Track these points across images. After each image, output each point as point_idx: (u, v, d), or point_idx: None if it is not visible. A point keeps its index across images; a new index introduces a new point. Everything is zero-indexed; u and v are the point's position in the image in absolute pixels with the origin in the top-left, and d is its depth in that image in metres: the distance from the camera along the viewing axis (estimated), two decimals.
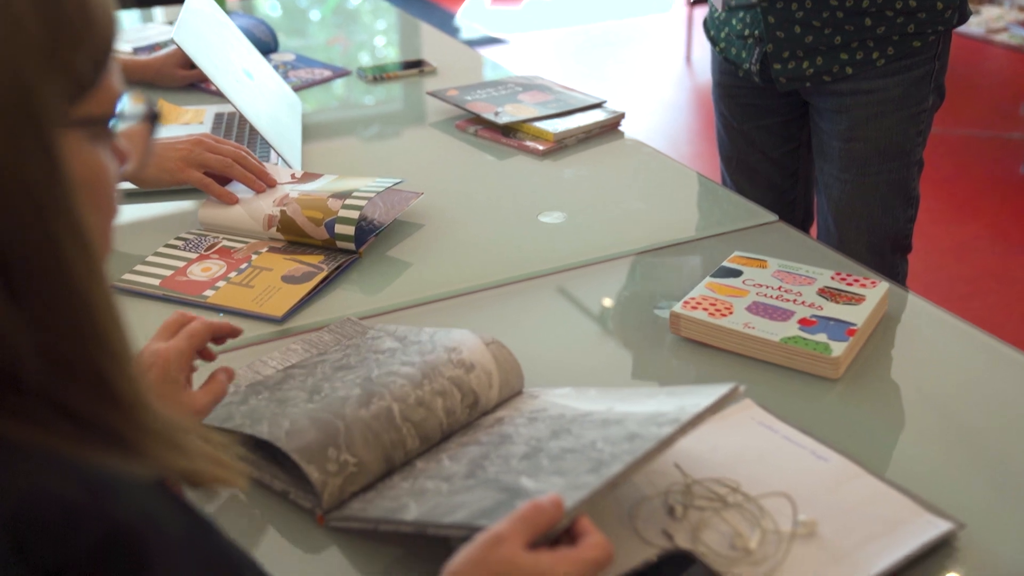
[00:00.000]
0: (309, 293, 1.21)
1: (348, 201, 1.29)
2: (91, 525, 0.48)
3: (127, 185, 1.45)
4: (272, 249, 1.30)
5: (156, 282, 1.24)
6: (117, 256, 1.31)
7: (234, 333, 0.97)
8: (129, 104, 0.56)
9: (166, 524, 0.51)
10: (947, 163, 3.58)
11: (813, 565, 0.78)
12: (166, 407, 0.79)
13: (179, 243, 1.33)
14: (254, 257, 1.29)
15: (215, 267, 1.27)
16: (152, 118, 0.57)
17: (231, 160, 1.39)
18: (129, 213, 1.45)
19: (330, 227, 1.28)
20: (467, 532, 0.72)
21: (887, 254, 1.76)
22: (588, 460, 0.77)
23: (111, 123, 0.54)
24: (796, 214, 1.89)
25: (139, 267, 1.27)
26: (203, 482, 0.56)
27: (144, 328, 1.17)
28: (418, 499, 0.81)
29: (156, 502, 0.52)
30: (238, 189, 1.40)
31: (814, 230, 1.87)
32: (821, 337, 1.06)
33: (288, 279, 1.23)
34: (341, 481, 0.85)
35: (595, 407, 0.89)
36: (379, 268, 1.30)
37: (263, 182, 1.39)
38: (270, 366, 1.07)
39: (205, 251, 1.31)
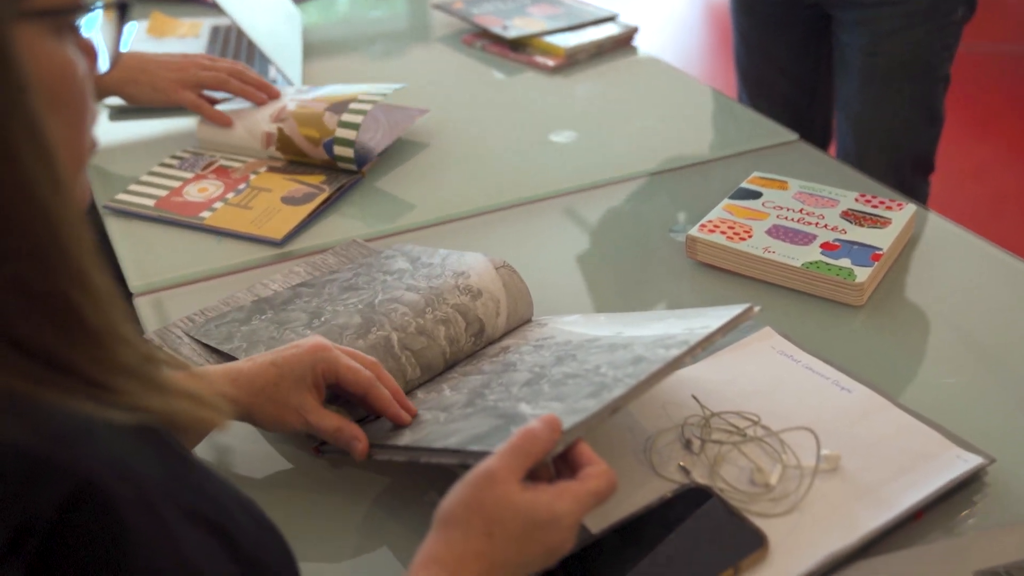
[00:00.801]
0: (310, 215, 1.16)
1: (345, 118, 1.23)
2: (57, 478, 0.44)
3: (118, 101, 1.39)
4: (271, 168, 1.25)
5: (151, 202, 1.19)
6: (110, 176, 1.27)
7: (398, 419, 0.79)
8: None
9: (141, 473, 0.47)
10: (969, 80, 3.46)
11: (836, 501, 0.74)
12: (271, 399, 0.74)
13: (174, 162, 1.28)
14: (252, 177, 1.23)
15: (212, 187, 1.22)
16: (122, 8, 0.51)
17: (226, 75, 1.32)
18: (123, 131, 1.39)
19: (328, 148, 1.22)
20: (459, 459, 0.69)
21: (908, 175, 1.69)
22: (590, 384, 0.73)
23: (75, 16, 0.49)
24: (815, 133, 1.82)
25: (133, 187, 1.23)
26: (182, 423, 0.52)
27: (137, 251, 1.13)
28: (413, 428, 0.78)
29: (129, 449, 0.48)
30: (237, 105, 1.33)
31: (833, 150, 1.80)
32: (844, 262, 1.01)
33: (288, 200, 1.18)
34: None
35: (602, 332, 0.85)
36: (383, 189, 1.25)
37: (264, 93, 1.32)
38: (271, 289, 1.03)
39: (201, 170, 1.25)
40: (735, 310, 0.79)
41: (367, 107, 1.24)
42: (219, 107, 1.32)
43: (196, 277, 1.09)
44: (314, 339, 0.78)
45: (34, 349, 0.45)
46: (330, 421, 0.77)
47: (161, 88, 1.31)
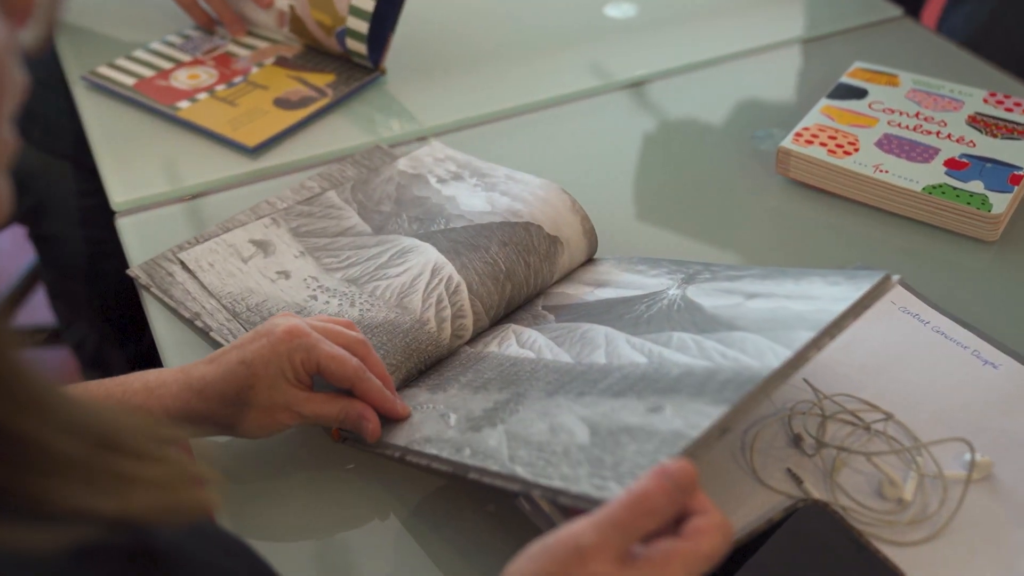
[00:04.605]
0: (297, 123, 0.97)
1: (355, 2, 1.00)
2: None
3: None
4: (280, 61, 1.05)
5: (131, 82, 1.03)
6: (102, 44, 1.10)
7: (393, 414, 0.65)
8: None
9: None
10: None
11: (990, 525, 0.59)
12: (250, 404, 0.61)
13: (178, 40, 1.09)
14: (254, 70, 1.04)
15: (204, 75, 1.04)
16: None
17: None
18: None
19: (341, 39, 1.02)
20: (523, 488, 0.53)
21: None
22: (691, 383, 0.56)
23: None
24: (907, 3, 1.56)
25: (120, 61, 1.06)
26: (149, 521, 0.36)
27: (118, 156, 0.95)
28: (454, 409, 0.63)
29: None
30: None
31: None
32: (975, 185, 0.83)
33: (281, 103, 0.99)
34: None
35: (704, 301, 0.67)
36: (403, 83, 1.05)
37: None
38: (278, 208, 0.86)
39: (202, 55, 1.07)
40: (866, 280, 0.61)
41: None
42: None
43: (191, 191, 0.91)
44: (286, 323, 0.63)
45: None
46: (331, 406, 0.63)
47: None
